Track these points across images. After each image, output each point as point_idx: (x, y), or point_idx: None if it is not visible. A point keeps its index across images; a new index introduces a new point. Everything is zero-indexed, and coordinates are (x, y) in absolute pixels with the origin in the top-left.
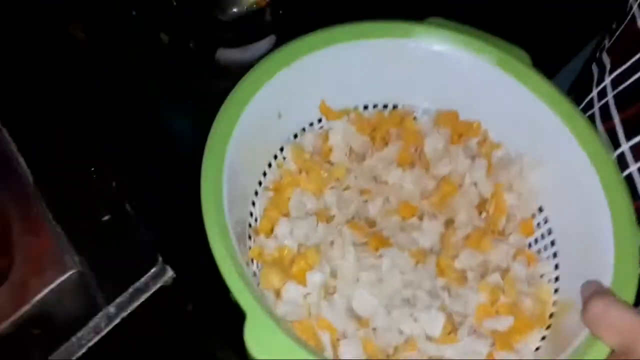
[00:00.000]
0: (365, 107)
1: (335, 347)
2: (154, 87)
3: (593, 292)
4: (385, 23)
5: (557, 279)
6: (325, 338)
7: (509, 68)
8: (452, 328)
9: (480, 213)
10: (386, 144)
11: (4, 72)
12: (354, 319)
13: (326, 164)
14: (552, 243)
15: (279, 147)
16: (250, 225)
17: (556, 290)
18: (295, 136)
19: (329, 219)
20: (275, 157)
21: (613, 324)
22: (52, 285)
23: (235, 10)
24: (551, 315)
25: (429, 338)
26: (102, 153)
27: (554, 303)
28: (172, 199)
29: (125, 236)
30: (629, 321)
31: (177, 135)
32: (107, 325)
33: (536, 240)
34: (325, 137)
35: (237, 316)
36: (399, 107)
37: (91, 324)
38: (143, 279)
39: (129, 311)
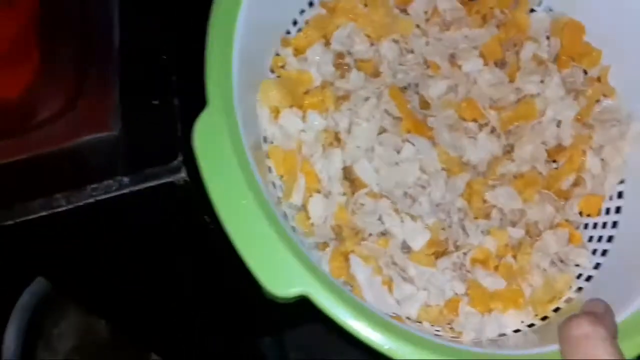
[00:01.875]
0: None
1: (309, 193)
2: None
3: (591, 311)
4: None
5: (589, 278)
6: (301, 180)
7: None
8: (436, 252)
9: (550, 160)
10: (482, 23)
11: None
12: (344, 182)
13: (398, 10)
14: (610, 239)
15: None
16: (289, 33)
17: (580, 289)
18: None
19: (376, 74)
20: None
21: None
22: (92, 136)
23: None
24: (557, 310)
25: (405, 247)
26: (176, 46)
27: (569, 300)
28: None
29: (162, 124)
30: None
31: None
32: (116, 190)
33: (595, 225)
34: None
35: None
36: None
37: (105, 182)
38: (158, 168)
39: (137, 188)
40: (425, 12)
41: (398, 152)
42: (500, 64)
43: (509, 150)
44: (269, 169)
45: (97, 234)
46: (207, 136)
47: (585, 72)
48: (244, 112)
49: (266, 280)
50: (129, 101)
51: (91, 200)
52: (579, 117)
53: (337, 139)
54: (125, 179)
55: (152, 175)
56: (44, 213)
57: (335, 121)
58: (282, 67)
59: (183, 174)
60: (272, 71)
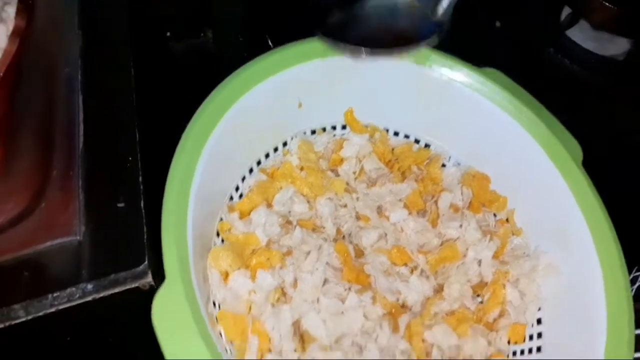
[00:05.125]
0: (396, 134)
1: (261, 354)
2: None
3: None
4: (440, 55)
5: None
6: (254, 343)
7: (555, 156)
8: None
9: (475, 295)
10: (403, 179)
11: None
12: (295, 338)
13: (331, 172)
14: None
15: (291, 135)
16: (232, 199)
17: None
18: (314, 132)
19: (315, 229)
20: (285, 144)
21: None
22: (54, 242)
23: None
24: None
25: None
26: (144, 150)
27: None
28: None
29: (128, 227)
30: None
31: None
32: (80, 297)
33: (522, 352)
34: (340, 146)
35: None
36: (432, 147)
37: (68, 290)
38: (124, 273)
39: (102, 295)
40: (354, 172)
41: (342, 301)
42: (422, 213)
43: (438, 290)
44: (220, 334)
45: (57, 344)
46: (167, 312)
47: (495, 216)
48: (198, 281)
49: None
50: (94, 204)
51: (52, 309)
52: (496, 255)
53: (284, 294)
54: (89, 286)
55: (117, 281)
56: (0, 326)
57: (281, 277)
58: (229, 230)
59: (149, 279)
60: (218, 235)
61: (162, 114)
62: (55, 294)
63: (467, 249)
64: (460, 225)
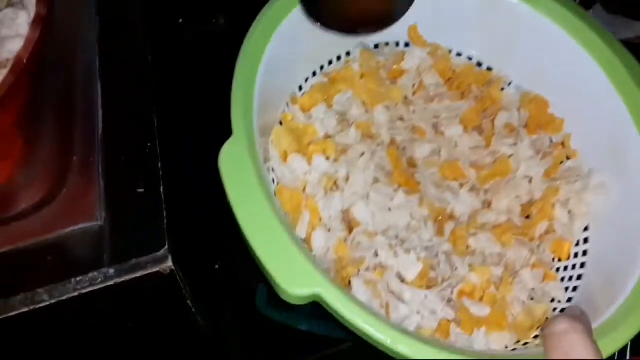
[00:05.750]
0: (459, 55)
1: (312, 228)
2: None
3: (568, 313)
4: None
5: (563, 310)
6: (306, 215)
7: (615, 77)
8: (427, 283)
9: (524, 215)
10: (461, 97)
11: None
12: (343, 222)
13: (390, 82)
14: (579, 277)
15: (355, 45)
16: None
17: None
18: (377, 46)
19: (371, 136)
20: (348, 54)
21: (566, 351)
22: (76, 227)
23: None
24: (537, 337)
25: (399, 278)
26: (162, 136)
27: None
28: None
29: (148, 212)
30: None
31: None
32: (102, 282)
33: (565, 268)
34: (401, 58)
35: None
36: (494, 70)
37: (90, 274)
38: (144, 258)
39: (123, 279)
40: (413, 85)
41: (391, 199)
42: (478, 130)
43: (486, 207)
44: None
45: (80, 328)
46: (232, 161)
47: (551, 140)
48: (260, 151)
49: (284, 282)
50: (114, 190)
51: (75, 294)
52: (547, 173)
53: (337, 185)
54: (111, 271)
55: (138, 265)
56: (24, 309)
57: (335, 169)
58: (291, 120)
59: (169, 264)
60: (281, 124)
61: (178, 100)
62: (78, 279)
63: (519, 166)
64: (515, 144)
